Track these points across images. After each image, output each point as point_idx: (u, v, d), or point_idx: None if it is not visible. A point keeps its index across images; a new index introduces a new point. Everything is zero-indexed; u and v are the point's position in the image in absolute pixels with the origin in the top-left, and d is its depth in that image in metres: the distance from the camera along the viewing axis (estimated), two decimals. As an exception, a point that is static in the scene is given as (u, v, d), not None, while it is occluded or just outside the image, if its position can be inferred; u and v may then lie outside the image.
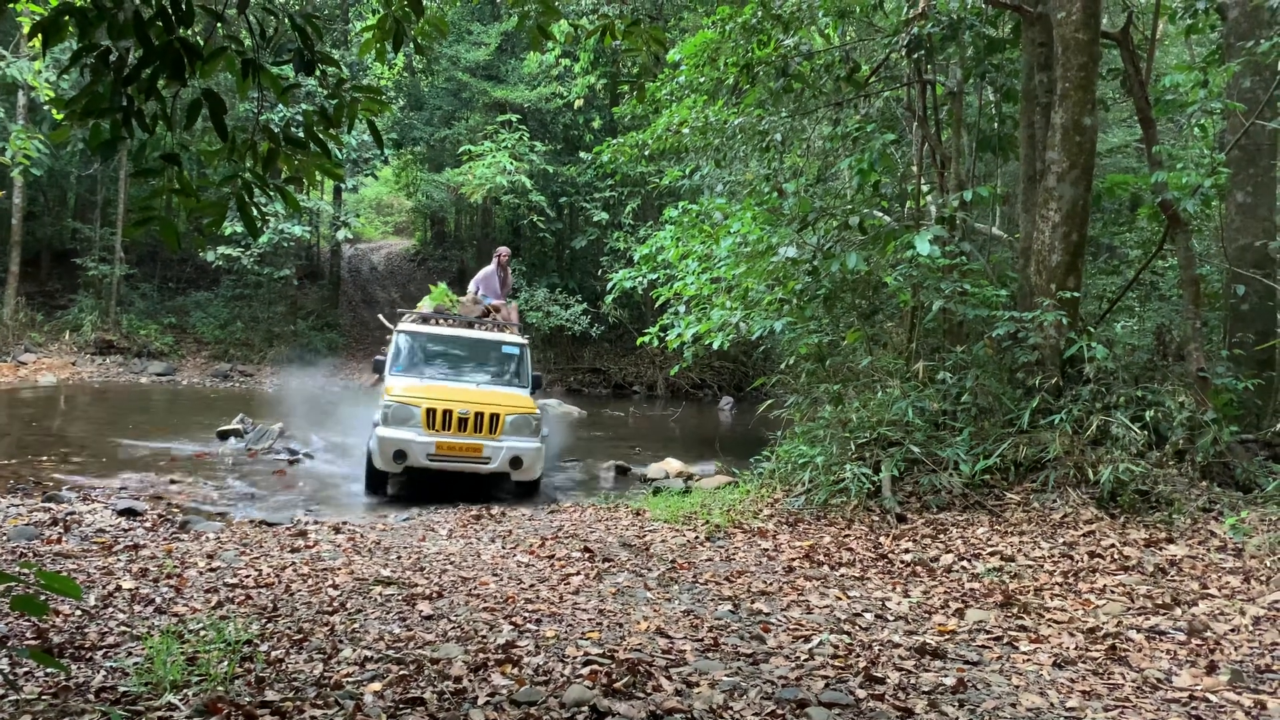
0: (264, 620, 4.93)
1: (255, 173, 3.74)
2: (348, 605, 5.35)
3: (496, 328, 11.98)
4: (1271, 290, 9.91)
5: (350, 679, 4.02)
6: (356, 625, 4.92)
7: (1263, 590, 5.61)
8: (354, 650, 4.42)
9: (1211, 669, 4.33)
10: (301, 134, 3.85)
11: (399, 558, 6.82)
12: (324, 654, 4.39)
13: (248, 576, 5.98)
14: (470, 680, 4.00)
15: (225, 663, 4.08)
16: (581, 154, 23.12)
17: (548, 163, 23.77)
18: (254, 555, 6.67)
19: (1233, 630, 4.93)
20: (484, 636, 4.73)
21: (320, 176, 4.16)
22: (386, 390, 10.11)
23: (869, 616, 5.35)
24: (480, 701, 3.73)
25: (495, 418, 9.89)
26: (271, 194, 3.84)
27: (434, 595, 5.63)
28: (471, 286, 13.05)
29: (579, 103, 22.85)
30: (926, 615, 5.41)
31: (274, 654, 4.34)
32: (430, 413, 9.74)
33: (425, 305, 12.54)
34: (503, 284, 13.19)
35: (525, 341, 11.61)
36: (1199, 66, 10.51)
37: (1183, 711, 3.81)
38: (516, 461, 9.81)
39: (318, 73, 3.84)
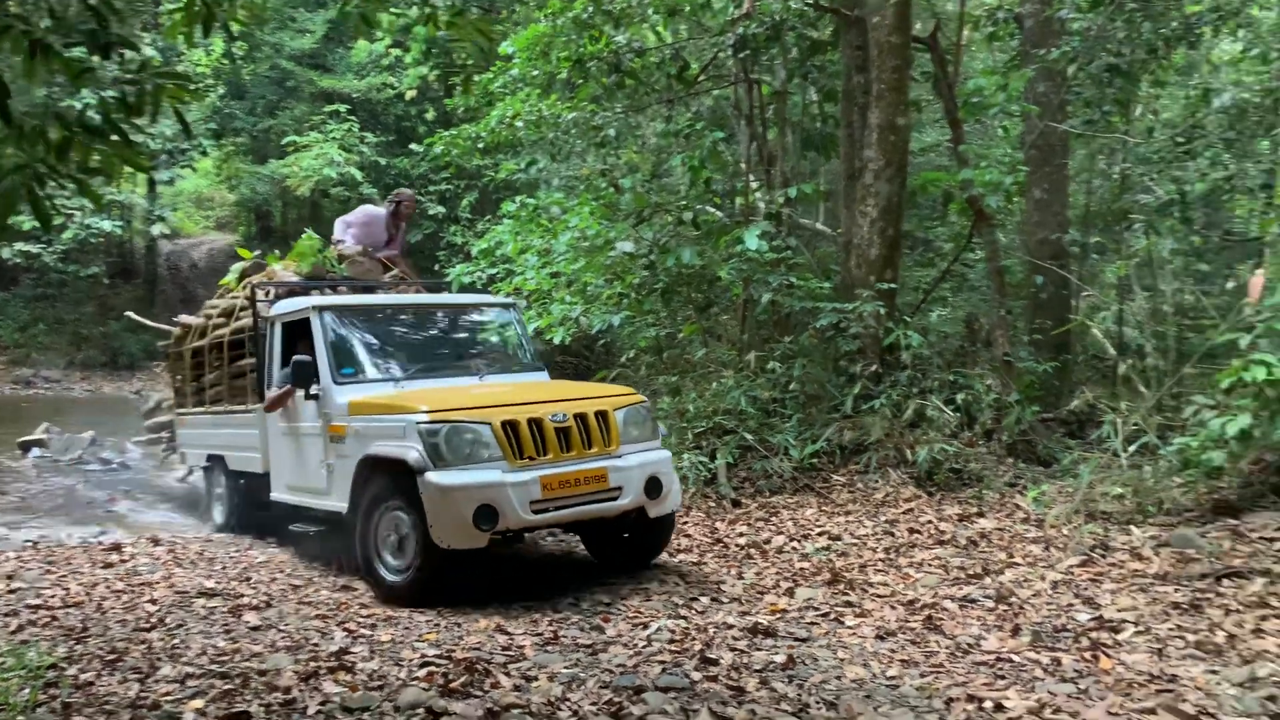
0: (72, 642, 4.61)
1: (47, 163, 3.47)
2: (167, 620, 5.07)
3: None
4: (1066, 280, 10.74)
5: (169, 698, 3.81)
6: (177, 641, 4.67)
7: (1060, 556, 6.09)
8: (173, 667, 4.20)
9: (1015, 631, 4.67)
10: (100, 121, 3.60)
11: (224, 568, 6.52)
12: (140, 673, 4.14)
13: (53, 597, 5.58)
14: (300, 690, 3.87)
15: (26, 690, 3.79)
16: (415, 146, 22.61)
17: (379, 155, 23.11)
18: (61, 574, 6.23)
19: (1034, 595, 5.33)
20: (315, 645, 4.58)
21: (127, 168, 3.91)
22: (365, 406, 6.05)
23: (705, 600, 5.49)
24: (311, 711, 3.61)
25: (602, 418, 5.94)
26: (67, 186, 3.57)
27: (262, 605, 5.41)
28: (338, 229, 9.07)
29: (411, 94, 22.30)
30: (759, 596, 5.60)
31: (83, 677, 4.07)
32: (510, 429, 5.57)
33: (280, 268, 8.52)
34: (391, 240, 9.39)
35: (514, 301, 8.44)
36: (1000, 72, 11.26)
37: (990, 672, 4.09)
38: (655, 486, 5.92)
39: (115, 56, 3.60)
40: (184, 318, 9.62)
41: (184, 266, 30.56)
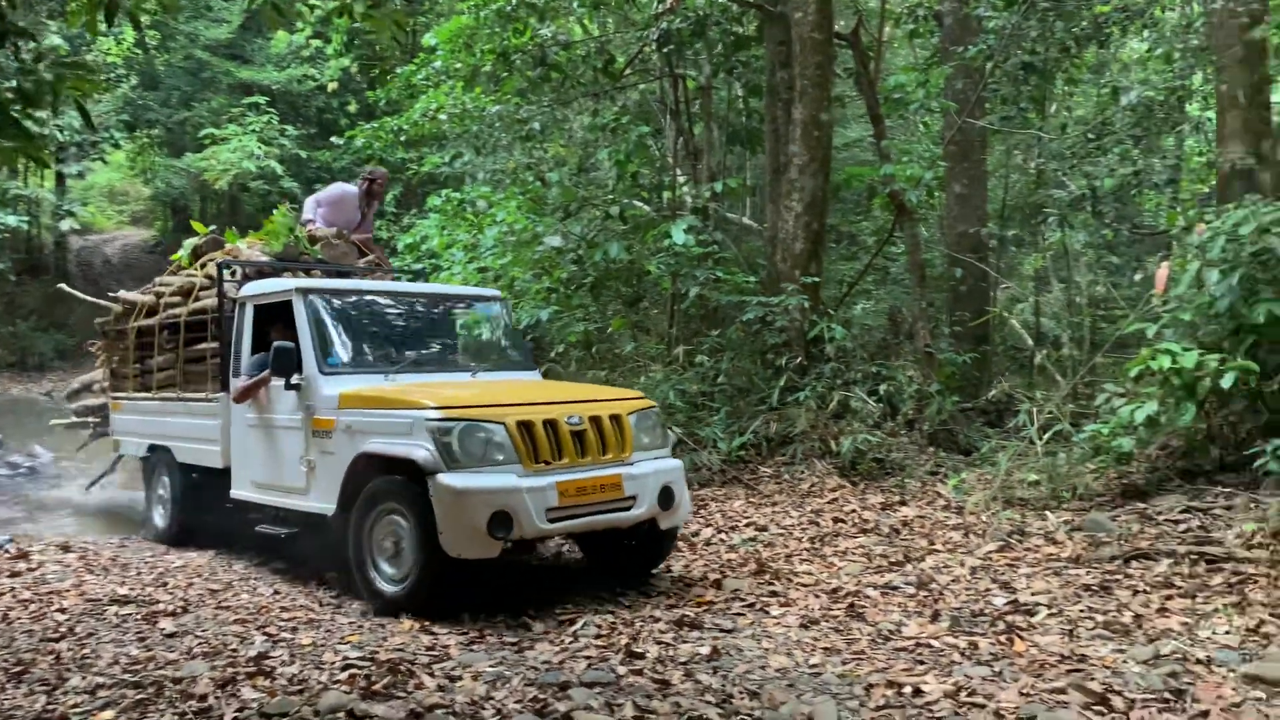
0: (-27, 655, 4.42)
1: (-63, 155, 3.32)
2: (77, 629, 4.90)
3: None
4: (985, 272, 11.00)
5: (78, 710, 3.69)
6: (87, 650, 4.52)
7: (979, 543, 6.25)
8: (83, 678, 4.06)
9: (935, 617, 4.78)
10: (-6, 113, 3.46)
11: (139, 574, 6.32)
12: (48, 685, 4.00)
13: (-46, 608, 5.34)
14: (217, 697, 3.77)
15: (-77, 707, 3.63)
16: (336, 139, 22.22)
17: (300, 147, 22.64)
18: (-38, 584, 5.96)
19: (953, 581, 5.46)
20: (234, 650, 4.47)
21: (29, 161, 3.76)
22: (360, 399, 5.57)
23: (632, 594, 5.50)
24: (227, 718, 3.53)
25: (616, 422, 5.56)
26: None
27: (178, 611, 5.26)
28: (308, 208, 8.40)
29: (333, 86, 21.90)
30: (687, 588, 5.63)
31: (-15, 691, 3.91)
32: (525, 429, 5.18)
33: (246, 246, 7.89)
34: (363, 220, 8.65)
35: (502, 295, 7.76)
36: (920, 68, 11.49)
37: (910, 658, 4.18)
38: (668, 496, 5.61)
39: (10, 46, 3.45)
40: (126, 293, 8.67)
41: (96, 262, 29.52)
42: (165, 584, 6.01)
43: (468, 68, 10.96)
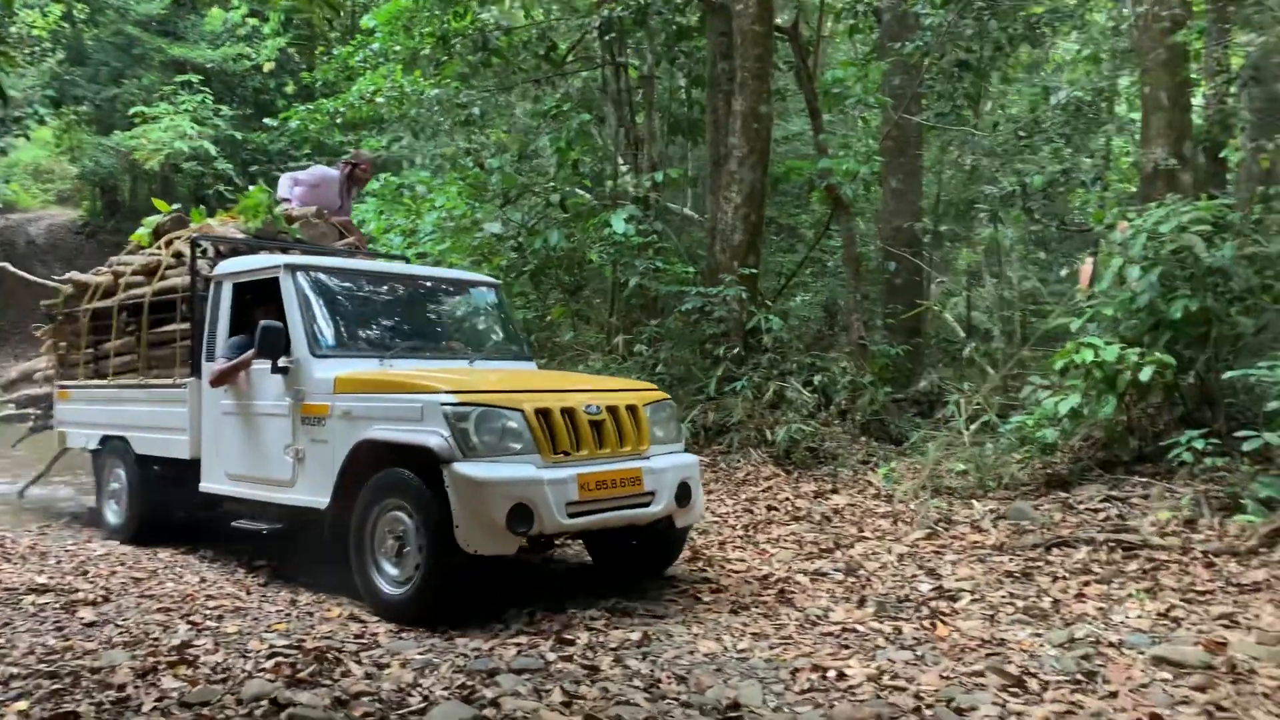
0: (-121, 647, 4.27)
1: None
2: (-10, 620, 4.76)
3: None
4: (919, 267, 11.21)
5: (-10, 701, 3.58)
6: (2, 640, 4.39)
7: (907, 530, 6.38)
8: (-4, 669, 3.94)
9: (862, 603, 4.87)
10: (-98, 83, 3.32)
11: (58, 562, 6.15)
12: (-42, 677, 3.87)
13: None
14: (136, 687, 3.69)
15: None
16: (273, 120, 21.80)
17: (235, 128, 22.12)
18: None
19: (881, 567, 5.57)
20: (156, 639, 4.38)
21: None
22: (361, 383, 5.16)
23: (566, 583, 5.51)
24: (146, 708, 3.45)
25: (633, 413, 5.25)
26: None
27: (99, 600, 5.14)
28: (284, 186, 7.97)
29: (269, 66, 21.45)
30: (620, 576, 5.65)
31: (-109, 683, 3.77)
32: (544, 416, 4.84)
33: (218, 224, 7.38)
34: (342, 206, 8.22)
35: (498, 282, 7.38)
36: (859, 64, 11.64)
37: (835, 642, 4.25)
38: (685, 493, 5.29)
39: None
40: (77, 275, 8.04)
41: (20, 243, 28.52)
42: (86, 572, 5.85)
43: (407, 51, 10.83)
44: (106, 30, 23.32)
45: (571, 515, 4.72)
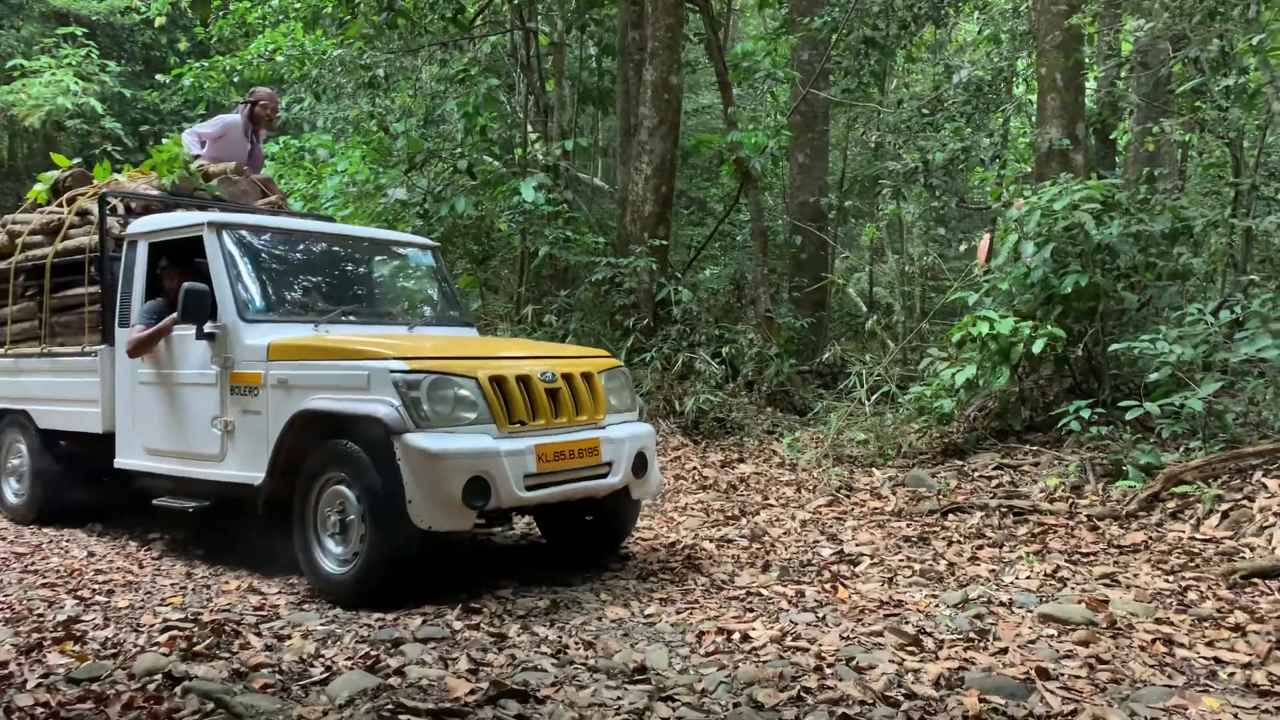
0: None
1: None
2: None
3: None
4: (825, 241, 11.40)
5: None
6: None
7: (810, 498, 6.53)
8: None
9: (766, 568, 4.96)
10: None
11: (-68, 538, 5.83)
12: None
13: None
14: (20, 664, 3.53)
15: None
16: (164, 77, 20.82)
17: (124, 85, 21.06)
18: None
19: (785, 533, 5.69)
20: (41, 615, 4.20)
21: None
22: (298, 349, 4.80)
23: (474, 553, 5.47)
24: (30, 685, 3.31)
25: (588, 380, 5.00)
26: None
27: (-23, 576, 4.90)
28: (189, 141, 7.27)
29: (160, 20, 20.44)
30: (530, 546, 5.64)
31: None
32: (498, 384, 4.56)
33: (126, 179, 6.80)
34: (252, 152, 7.64)
35: (436, 244, 6.79)
36: (769, 37, 11.71)
37: (740, 606, 4.33)
38: (641, 464, 5.07)
39: None
40: None
41: (-115, 202, 26.79)
42: (-37, 548, 5.57)
43: (308, 8, 10.45)
44: (-20, -24, 21.92)
45: (529, 488, 4.49)
